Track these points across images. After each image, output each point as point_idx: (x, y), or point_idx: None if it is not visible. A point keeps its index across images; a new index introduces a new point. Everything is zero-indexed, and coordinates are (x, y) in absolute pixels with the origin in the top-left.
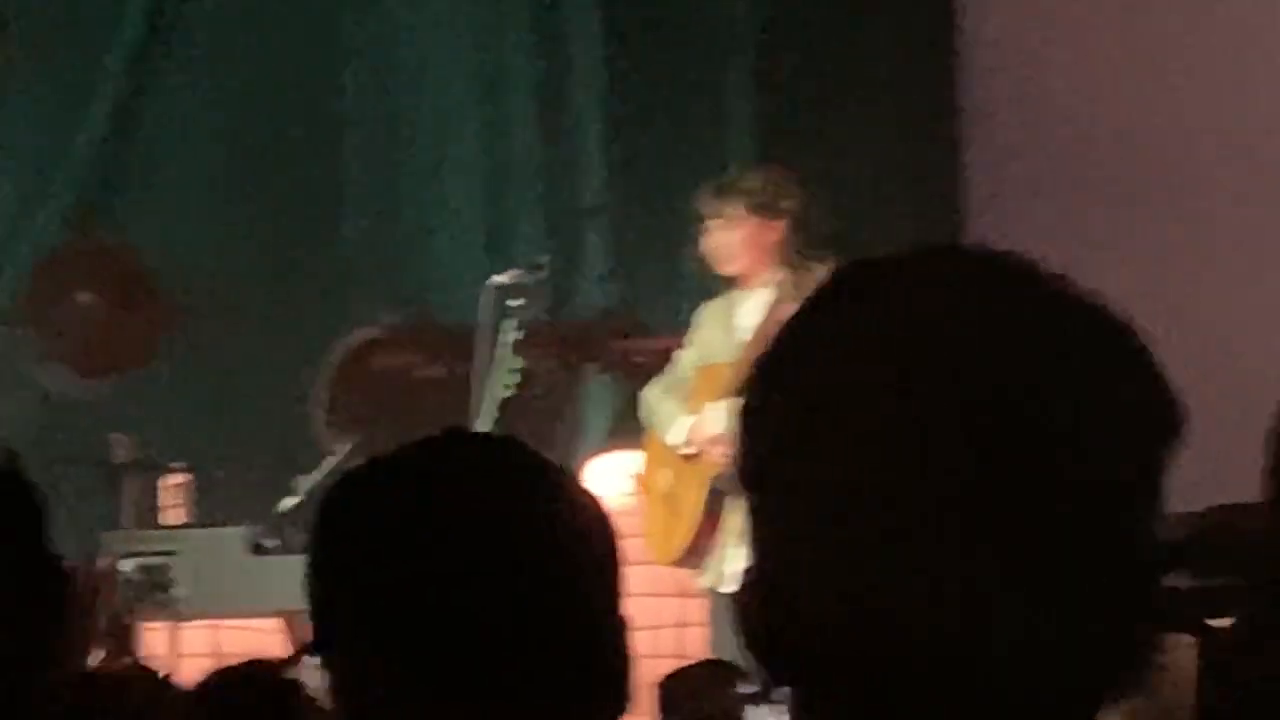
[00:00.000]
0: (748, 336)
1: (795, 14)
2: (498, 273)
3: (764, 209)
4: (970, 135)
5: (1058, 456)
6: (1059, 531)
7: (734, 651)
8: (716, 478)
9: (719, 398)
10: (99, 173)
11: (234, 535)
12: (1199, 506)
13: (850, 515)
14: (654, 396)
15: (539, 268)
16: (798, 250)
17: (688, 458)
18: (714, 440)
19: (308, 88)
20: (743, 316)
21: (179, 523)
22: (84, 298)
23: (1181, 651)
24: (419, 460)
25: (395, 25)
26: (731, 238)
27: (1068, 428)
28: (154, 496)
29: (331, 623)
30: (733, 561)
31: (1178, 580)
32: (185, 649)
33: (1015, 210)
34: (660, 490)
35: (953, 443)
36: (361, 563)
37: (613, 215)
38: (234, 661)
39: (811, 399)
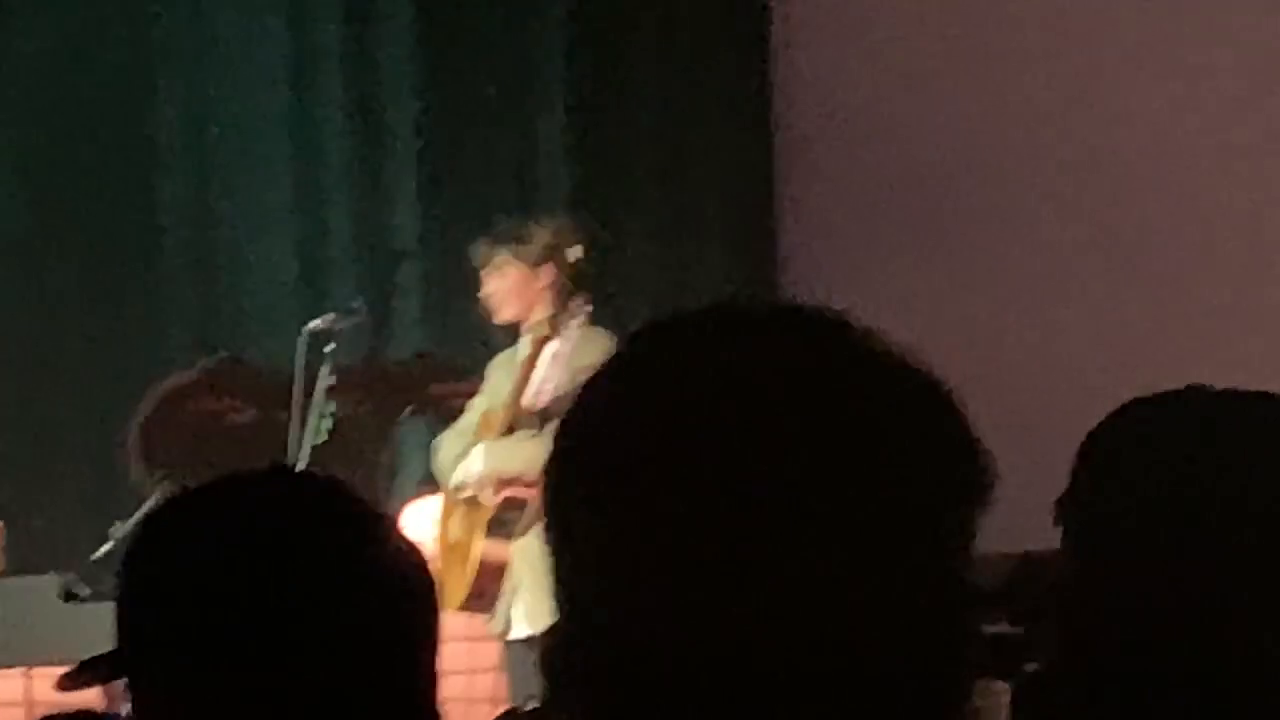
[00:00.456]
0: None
1: (608, 48)
2: (311, 316)
3: (528, 256)
4: (786, 169)
5: (865, 512)
6: (868, 584)
7: (527, 699)
8: (492, 520)
9: (492, 438)
10: None
11: (47, 583)
12: (1030, 546)
13: (654, 570)
14: (442, 444)
15: (354, 312)
16: (569, 293)
17: (468, 502)
18: (480, 482)
19: (119, 127)
20: (521, 360)
21: None
22: None
23: (998, 698)
24: (238, 494)
25: (206, 65)
26: (501, 286)
27: (874, 484)
28: None
29: (138, 655)
30: (518, 608)
31: (998, 626)
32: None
33: (831, 247)
34: (451, 537)
35: (754, 498)
36: (171, 595)
37: (426, 258)
38: (53, 712)
39: (610, 457)
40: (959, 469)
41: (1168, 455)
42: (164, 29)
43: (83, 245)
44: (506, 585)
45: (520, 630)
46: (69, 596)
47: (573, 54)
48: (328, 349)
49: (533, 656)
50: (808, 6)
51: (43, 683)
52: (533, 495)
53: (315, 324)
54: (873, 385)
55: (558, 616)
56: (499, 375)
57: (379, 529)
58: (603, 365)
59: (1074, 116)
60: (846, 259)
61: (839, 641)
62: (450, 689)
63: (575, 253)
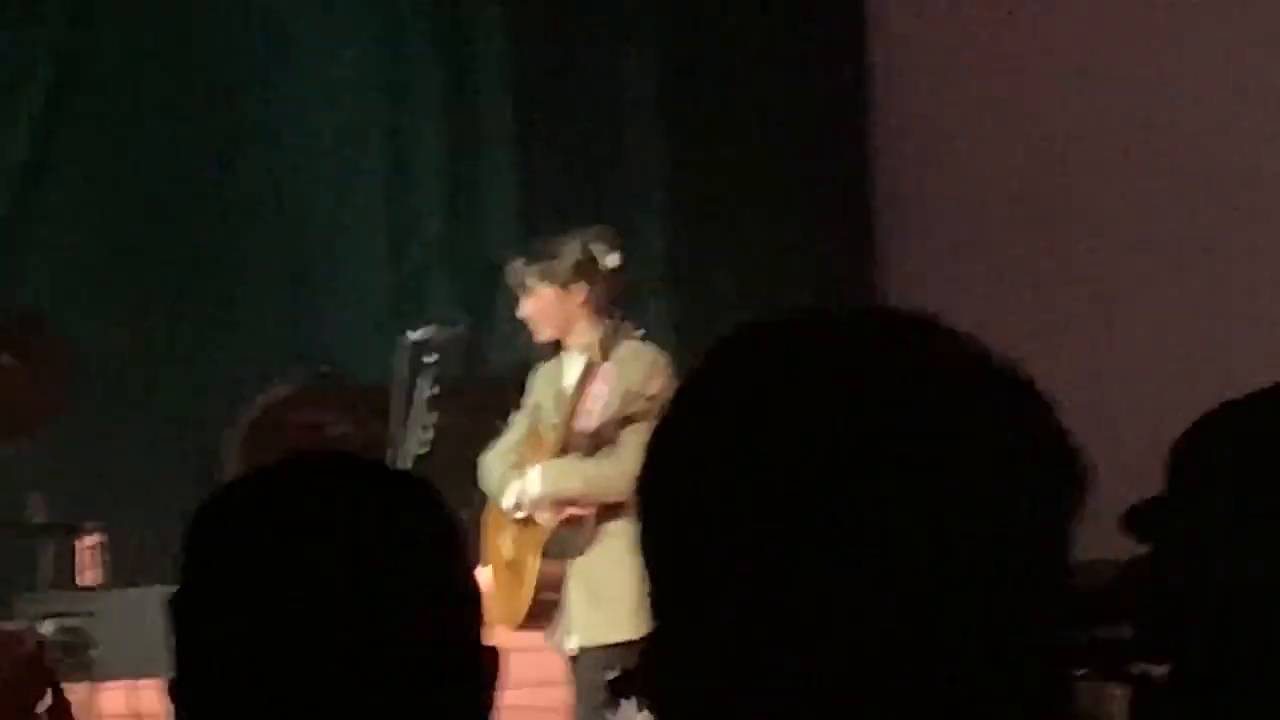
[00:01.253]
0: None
1: (701, 53)
2: (406, 329)
3: (558, 276)
4: (882, 174)
5: (967, 519)
6: (969, 592)
7: (588, 711)
8: (549, 542)
9: (545, 459)
10: (4, 234)
11: (152, 595)
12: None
13: (756, 579)
14: (489, 461)
15: (455, 324)
16: (609, 306)
17: (522, 522)
18: (537, 503)
19: (211, 145)
20: (567, 378)
21: (96, 583)
22: (3, 359)
23: (1115, 703)
24: (296, 483)
25: (298, 82)
26: (535, 307)
27: (978, 491)
28: (71, 557)
29: (189, 654)
30: (574, 623)
31: (1116, 630)
32: (104, 710)
33: (925, 254)
34: (503, 556)
35: (854, 507)
36: (225, 590)
37: None
38: None
39: (704, 462)
40: (1060, 476)
41: (1269, 454)
42: (253, 43)
43: (178, 260)
44: (563, 602)
45: (572, 643)
46: None
47: (666, 59)
48: (428, 360)
49: (592, 668)
50: (903, 15)
51: (148, 695)
52: (589, 515)
53: (416, 335)
54: (974, 391)
55: (653, 625)
56: (543, 390)
57: (455, 527)
58: (697, 369)
59: (1163, 125)
60: (941, 267)
61: (941, 650)
62: (515, 699)
63: (610, 262)
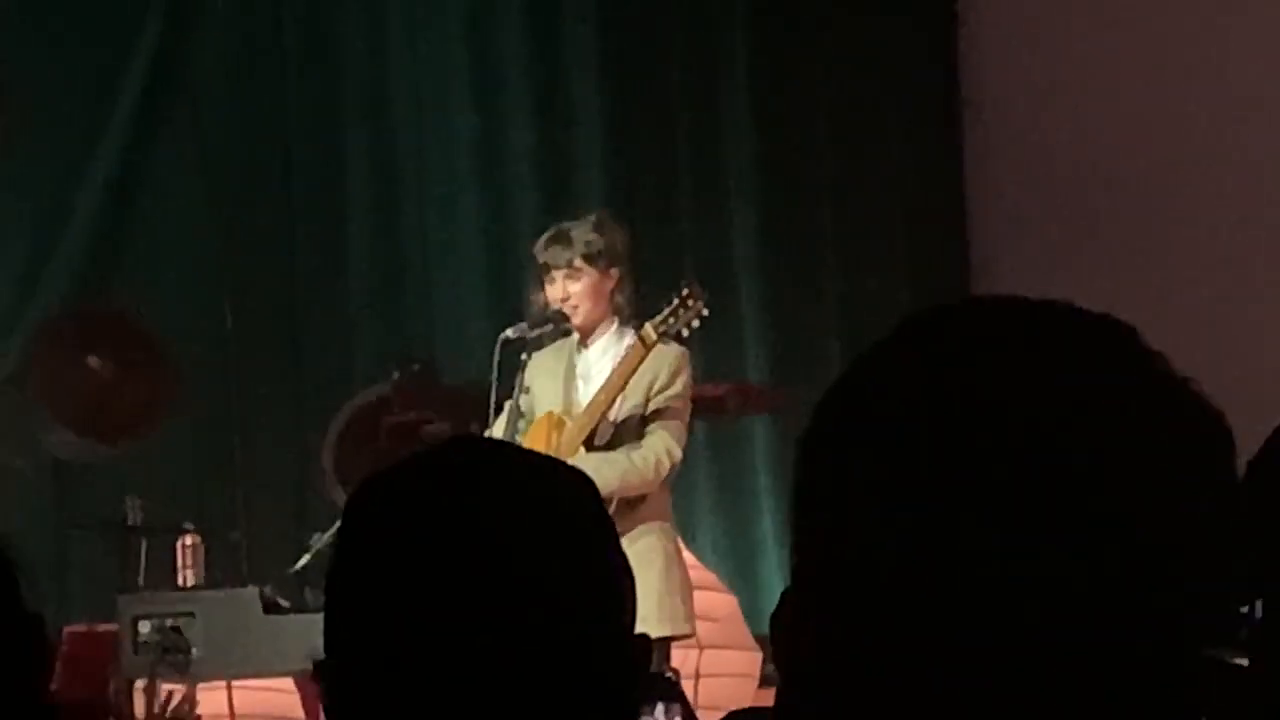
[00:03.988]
0: (593, 386)
1: (791, 52)
2: (501, 327)
3: (600, 259)
4: (974, 171)
5: (1132, 530)
6: (1121, 599)
7: None
8: None
9: (553, 448)
10: (103, 236)
11: (249, 595)
12: None
13: (901, 567)
14: None
15: (548, 321)
16: (630, 293)
17: None
18: None
19: (309, 149)
20: (586, 366)
21: (194, 584)
22: (93, 361)
23: None
24: (452, 468)
25: (397, 84)
26: (577, 289)
27: (1145, 504)
28: (169, 558)
29: (338, 634)
30: None
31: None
32: (203, 710)
33: (1019, 249)
34: None
35: (1014, 504)
36: (375, 570)
37: None
38: None
39: (871, 447)
40: (1227, 502)
41: None
42: (350, 49)
43: (275, 260)
44: None
45: None
46: (269, 608)
47: (755, 62)
48: (523, 357)
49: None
50: (994, 10)
51: (245, 695)
52: (610, 508)
53: (509, 333)
54: (1149, 400)
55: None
56: (545, 380)
57: (603, 512)
58: (867, 355)
59: (1257, 118)
60: (1035, 262)
61: (1091, 667)
62: None
63: (628, 250)
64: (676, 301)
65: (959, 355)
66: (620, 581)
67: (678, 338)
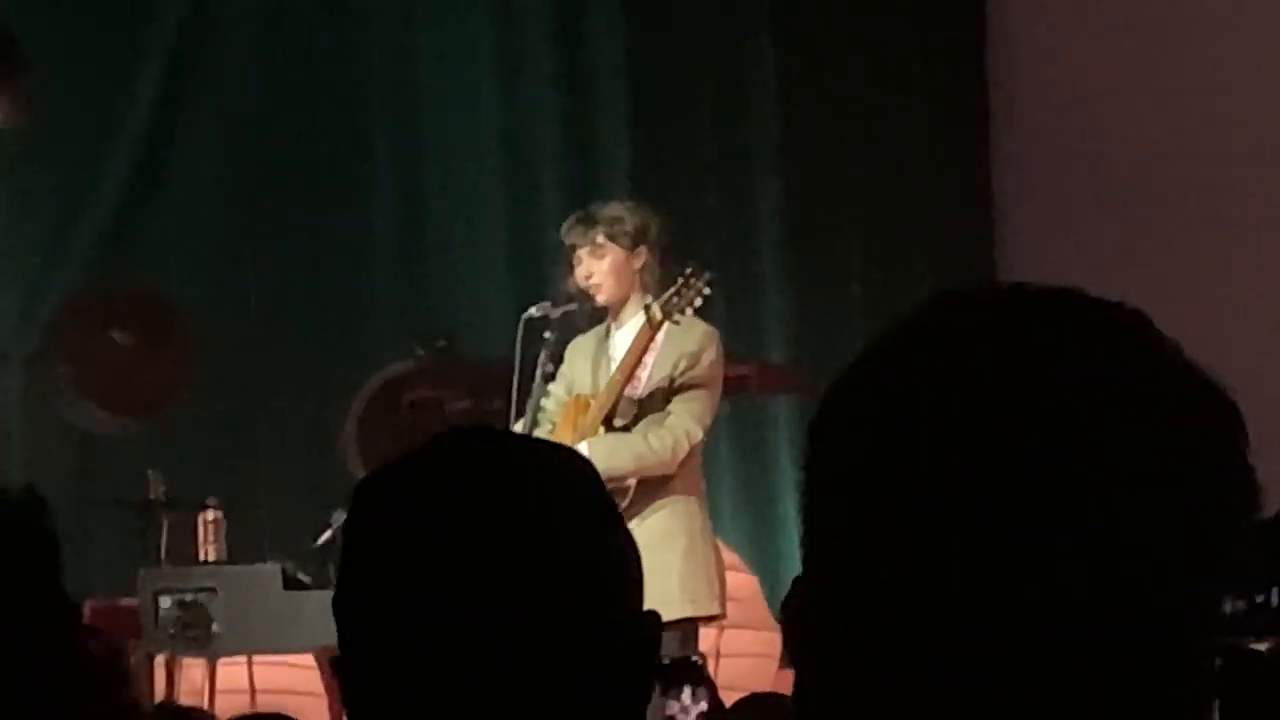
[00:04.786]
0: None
1: (817, 52)
2: (525, 304)
3: (626, 238)
4: (1001, 170)
5: (1144, 525)
6: (1130, 597)
7: None
8: None
9: (579, 430)
10: (128, 211)
11: (270, 571)
12: None
13: (910, 566)
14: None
15: (571, 299)
16: (658, 274)
17: None
18: None
19: (333, 123)
20: (615, 348)
21: (215, 559)
22: (117, 336)
23: None
24: (454, 459)
25: (421, 64)
26: (601, 268)
27: (1158, 497)
28: (191, 533)
29: (353, 630)
30: None
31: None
32: (222, 685)
33: (1047, 246)
34: None
35: (1030, 501)
36: (377, 566)
37: None
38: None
39: (881, 432)
40: (1240, 493)
41: None
42: (376, 30)
43: (299, 236)
44: None
45: None
46: (291, 584)
47: (781, 62)
48: (546, 335)
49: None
50: (1023, 9)
51: (266, 670)
52: (629, 486)
53: (532, 311)
54: (1169, 392)
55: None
56: (579, 362)
57: (612, 503)
58: (877, 342)
59: None
60: (1063, 256)
61: (1092, 657)
62: None
63: (656, 230)
64: (681, 281)
65: (967, 344)
66: (625, 563)
67: (684, 314)
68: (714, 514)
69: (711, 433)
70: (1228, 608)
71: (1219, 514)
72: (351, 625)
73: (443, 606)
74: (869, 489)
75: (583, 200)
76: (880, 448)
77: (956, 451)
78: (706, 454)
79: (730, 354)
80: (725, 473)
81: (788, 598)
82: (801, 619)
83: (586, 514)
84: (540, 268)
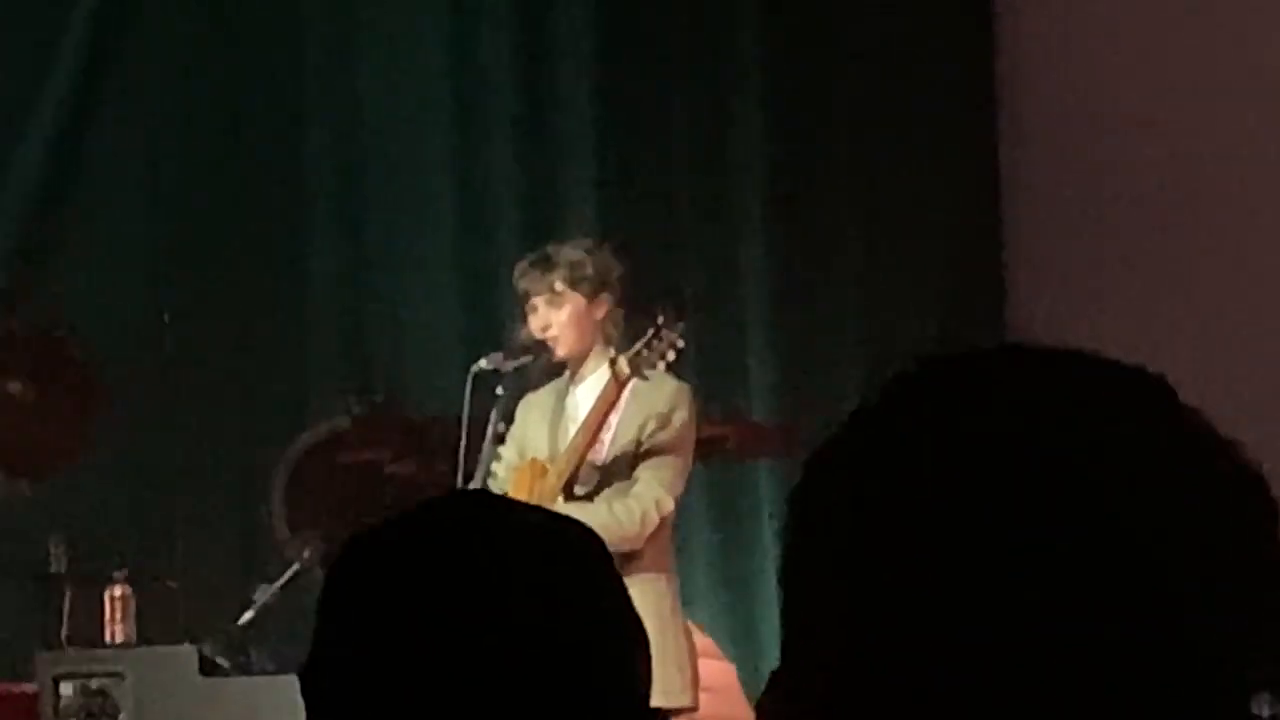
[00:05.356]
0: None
1: (811, 60)
2: (475, 357)
3: (587, 283)
4: (1011, 194)
5: (1157, 591)
6: (1161, 689)
7: None
8: None
9: (534, 498)
10: (26, 244)
11: (185, 654)
12: None
13: (909, 642)
14: None
15: (528, 352)
16: (621, 323)
17: None
18: None
19: (263, 149)
20: (576, 406)
21: (123, 640)
22: (11, 387)
23: None
24: (450, 524)
25: (364, 87)
26: (559, 317)
27: (1177, 574)
28: (96, 610)
29: (327, 712)
30: None
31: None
32: None
33: (1057, 277)
34: None
35: (1037, 580)
36: (365, 640)
37: None
38: None
39: (869, 507)
40: (1265, 572)
41: None
42: (317, 57)
43: (224, 278)
44: None
45: None
46: (208, 669)
47: (765, 59)
48: (498, 391)
49: None
50: (1033, 19)
51: None
52: None
53: (482, 364)
54: (1182, 455)
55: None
56: (534, 422)
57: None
58: (864, 401)
59: None
60: (1073, 289)
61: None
62: None
63: (620, 276)
64: (651, 332)
65: (964, 412)
66: (634, 650)
67: (653, 369)
68: (686, 593)
69: (683, 502)
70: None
71: (1249, 591)
72: (325, 706)
73: (433, 688)
74: (856, 571)
75: (543, 236)
76: (869, 524)
77: (955, 529)
78: (678, 525)
79: (706, 413)
80: (699, 547)
81: (764, 694)
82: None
83: (593, 594)
84: (493, 315)
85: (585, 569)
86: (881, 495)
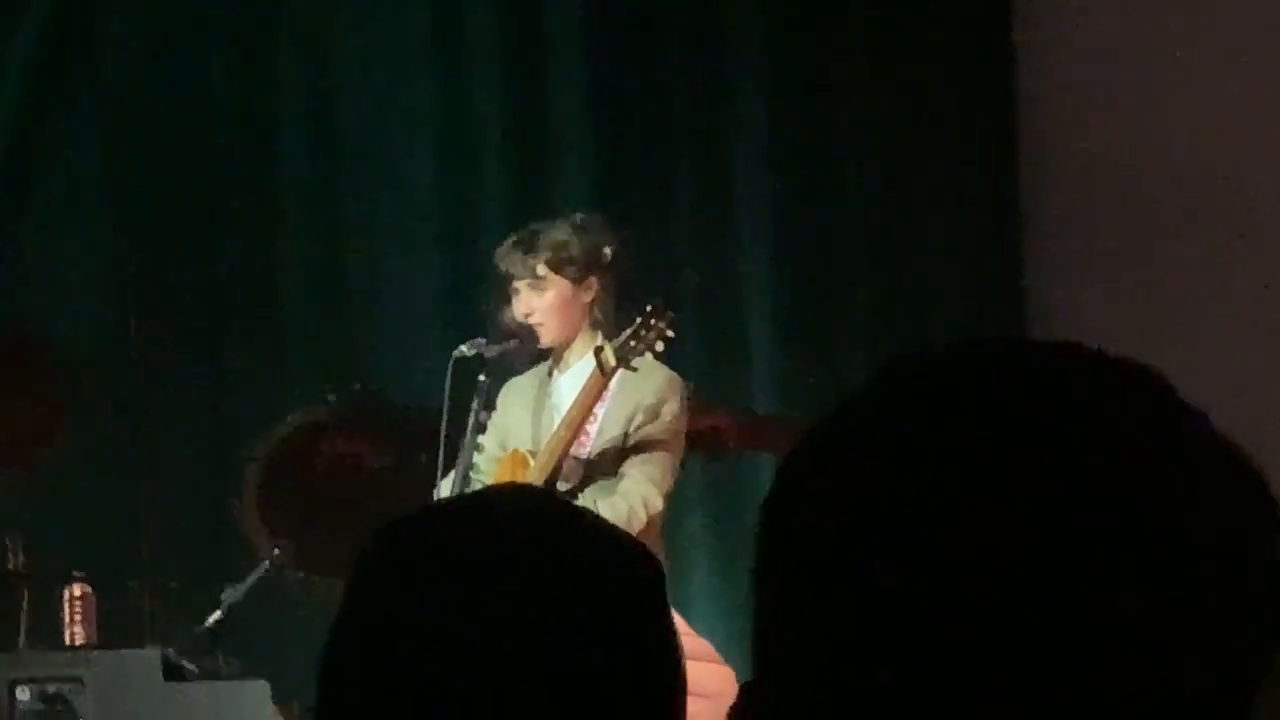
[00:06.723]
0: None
1: (813, 68)
2: (457, 343)
3: (572, 269)
4: (1031, 205)
5: (1159, 615)
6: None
7: None
8: None
9: None
10: None
11: (148, 658)
12: None
13: (886, 654)
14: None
15: (512, 337)
16: (612, 308)
17: None
18: None
19: (236, 124)
20: (560, 395)
21: (83, 642)
22: None
23: None
24: (478, 525)
25: (341, 72)
26: (542, 302)
27: (1175, 574)
28: (55, 611)
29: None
30: None
31: None
32: None
33: (1077, 283)
34: None
35: (1021, 577)
36: (399, 638)
37: None
38: None
39: (849, 513)
40: (1265, 581)
41: None
42: (284, 25)
43: (186, 258)
44: None
45: None
46: (173, 674)
47: (771, 36)
48: (481, 378)
49: None
50: (1051, 32)
51: None
52: None
53: (464, 349)
54: (1177, 452)
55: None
56: (516, 410)
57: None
58: (845, 400)
59: None
60: (1093, 296)
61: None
62: None
63: (612, 255)
64: (639, 320)
65: (944, 412)
66: (672, 680)
67: (642, 358)
68: (684, 595)
69: (682, 498)
70: None
71: (1245, 601)
72: (340, 698)
73: (449, 690)
74: (832, 579)
75: (531, 212)
76: (848, 535)
77: (939, 538)
78: (669, 524)
79: (702, 401)
80: (694, 546)
81: (731, 709)
82: None
83: (640, 619)
84: (477, 300)
85: (634, 593)
86: (856, 501)
